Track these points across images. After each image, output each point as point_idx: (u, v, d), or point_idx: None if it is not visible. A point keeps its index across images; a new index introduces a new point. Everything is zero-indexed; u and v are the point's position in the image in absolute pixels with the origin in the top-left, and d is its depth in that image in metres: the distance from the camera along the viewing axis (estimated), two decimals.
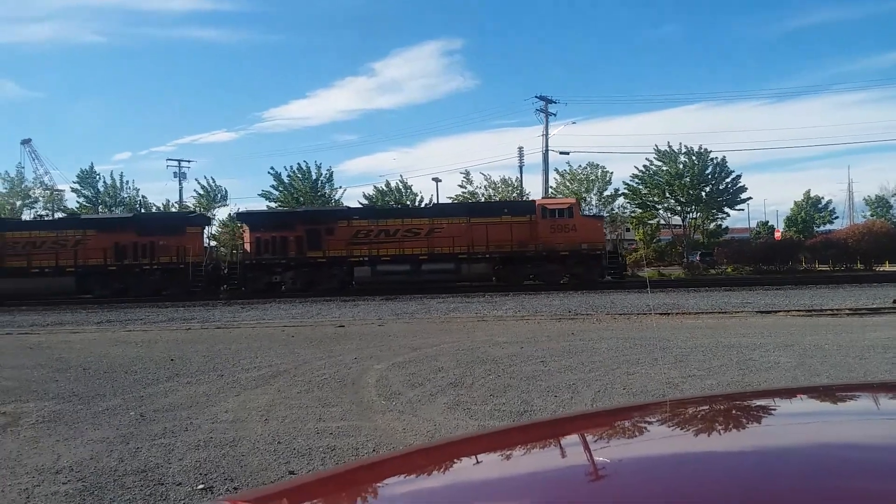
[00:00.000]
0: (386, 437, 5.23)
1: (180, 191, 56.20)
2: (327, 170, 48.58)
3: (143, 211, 46.26)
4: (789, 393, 1.87)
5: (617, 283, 28.18)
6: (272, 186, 47.89)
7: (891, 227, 50.13)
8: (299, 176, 47.56)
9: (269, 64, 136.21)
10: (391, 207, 37.97)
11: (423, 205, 45.64)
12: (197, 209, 46.00)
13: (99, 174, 49.35)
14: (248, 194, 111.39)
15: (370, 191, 49.87)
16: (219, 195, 50.59)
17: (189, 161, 61.07)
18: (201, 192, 50.13)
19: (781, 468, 0.93)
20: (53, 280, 28.13)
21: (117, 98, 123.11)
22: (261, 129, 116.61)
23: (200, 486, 4.10)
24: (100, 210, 45.88)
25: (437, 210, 32.15)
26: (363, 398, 6.72)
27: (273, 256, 28.88)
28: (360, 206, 42.60)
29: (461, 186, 49.59)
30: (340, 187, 49.67)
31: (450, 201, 45.68)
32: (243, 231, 31.59)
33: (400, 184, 49.67)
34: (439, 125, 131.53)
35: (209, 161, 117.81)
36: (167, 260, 28.83)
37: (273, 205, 46.35)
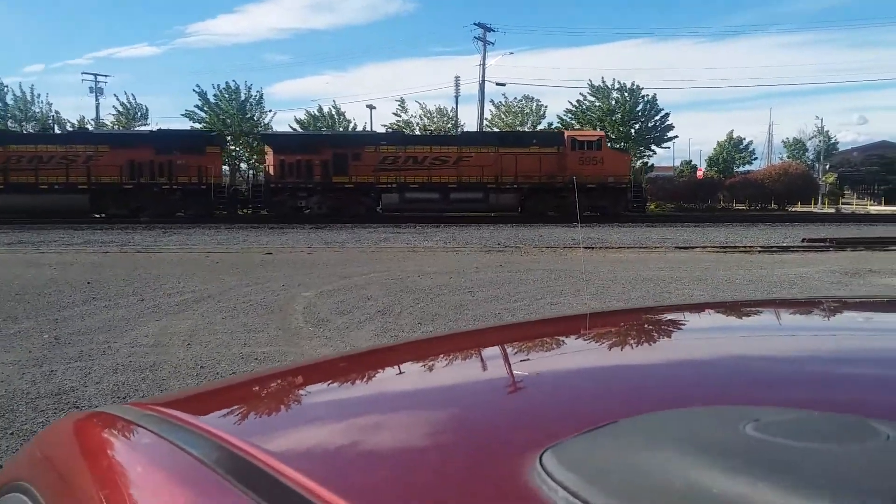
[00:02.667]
0: None
1: (97, 107, 52.89)
2: (257, 91, 46.62)
3: (55, 127, 43.49)
4: (701, 307, 1.95)
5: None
6: (197, 106, 45.61)
7: (805, 169, 52.69)
8: (226, 96, 45.43)
9: None
10: (420, 135, 36.83)
11: (351, 129, 44.86)
12: (115, 126, 43.58)
13: (7, 86, 45.78)
14: (171, 113, 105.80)
15: (302, 115, 48.35)
16: (139, 113, 48.01)
17: (106, 76, 57.13)
18: (120, 109, 47.45)
19: (691, 377, 0.97)
20: (64, 197, 26.74)
21: (26, 5, 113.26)
22: (185, 45, 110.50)
23: None
24: (8, 125, 42.81)
25: (465, 138, 31.60)
26: (290, 324, 6.69)
27: (298, 180, 28.19)
28: (387, 130, 40.82)
29: (396, 115, 48.73)
30: (270, 110, 47.79)
31: (384, 129, 44.90)
32: (266, 153, 30.45)
33: (333, 110, 48.32)
34: (375, 50, 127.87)
35: (129, 77, 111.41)
36: (186, 180, 27.67)
37: (197, 125, 44.35)
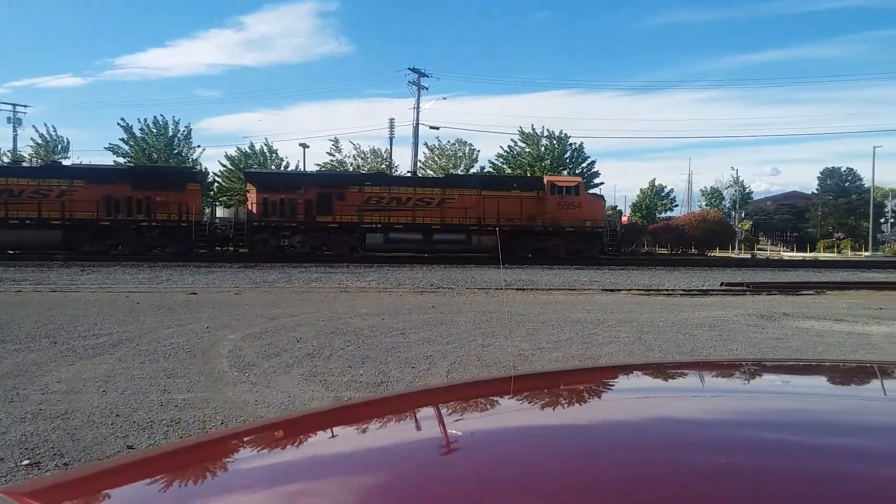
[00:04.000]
0: (236, 410, 5.07)
1: (14, 138, 50.65)
2: (185, 126, 45.69)
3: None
4: (631, 368, 2.00)
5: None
6: (122, 140, 44.29)
7: (723, 216, 55.28)
8: (153, 130, 44.34)
9: (124, 4, 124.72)
10: (404, 176, 37.16)
11: (299, 168, 44.58)
12: (33, 160, 41.72)
13: None
14: (95, 147, 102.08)
15: (232, 151, 47.56)
16: (59, 146, 46.23)
17: (26, 106, 54.93)
18: (39, 141, 45.55)
19: (628, 441, 0.99)
20: (36, 233, 25.52)
21: None
22: (112, 77, 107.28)
23: (26, 462, 3.77)
24: None
25: (449, 181, 32.08)
26: (213, 369, 6.46)
27: (281, 219, 27.94)
28: (370, 172, 41.08)
29: (329, 154, 48.66)
30: (199, 146, 46.86)
31: (318, 168, 44.67)
32: (249, 191, 29.81)
33: (265, 147, 47.78)
34: (309, 89, 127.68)
35: (50, 107, 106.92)
36: (165, 217, 26.80)
37: (121, 160, 42.95)
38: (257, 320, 9.66)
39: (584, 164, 48.31)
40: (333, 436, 1.12)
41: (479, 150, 49.71)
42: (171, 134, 44.66)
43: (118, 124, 44.27)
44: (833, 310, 12.15)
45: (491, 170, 48.22)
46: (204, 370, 6.39)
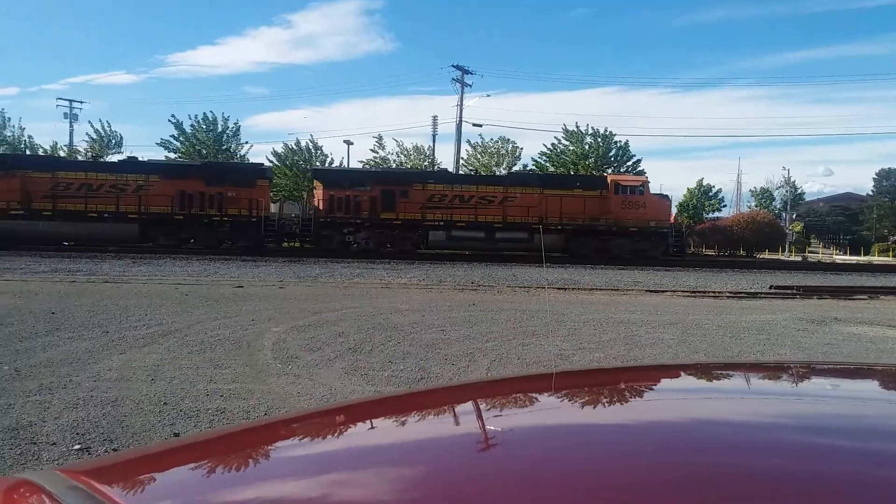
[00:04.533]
0: (279, 401, 5.16)
1: (70, 133, 52.45)
2: (234, 123, 46.66)
3: (33, 150, 42.92)
4: (674, 369, 1.97)
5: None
6: (172, 136, 45.49)
7: (773, 217, 53.90)
8: (203, 127, 45.39)
9: (176, 2, 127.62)
10: (466, 174, 37.51)
11: (330, 164, 45.06)
12: (88, 154, 43.16)
13: None
14: (147, 142, 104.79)
15: (279, 148, 48.40)
16: (113, 141, 47.70)
17: (82, 102, 56.70)
18: (94, 136, 47.10)
19: (661, 441, 0.97)
20: (114, 226, 26.72)
21: (4, 23, 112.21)
22: (163, 74, 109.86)
23: (77, 447, 3.91)
24: None
25: (511, 179, 32.21)
26: (258, 361, 6.59)
27: (346, 215, 28.50)
28: (434, 170, 41.70)
29: (373, 151, 49.09)
30: (247, 142, 47.88)
31: (361, 166, 45.13)
32: (316, 188, 30.75)
33: (311, 143, 48.47)
34: (354, 86, 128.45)
35: (105, 104, 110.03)
36: (236, 212, 27.68)
37: (172, 155, 44.08)
38: (300, 314, 9.81)
39: (629, 163, 47.66)
40: (372, 427, 1.13)
41: (522, 148, 49.50)
42: (220, 130, 45.67)
43: (169, 121, 45.52)
44: (887, 315, 11.73)
45: (534, 168, 47.94)
46: (248, 361, 6.52)
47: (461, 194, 29.28)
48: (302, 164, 44.75)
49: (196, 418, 4.57)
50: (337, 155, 51.71)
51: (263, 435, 1.14)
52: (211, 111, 46.19)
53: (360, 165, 45.35)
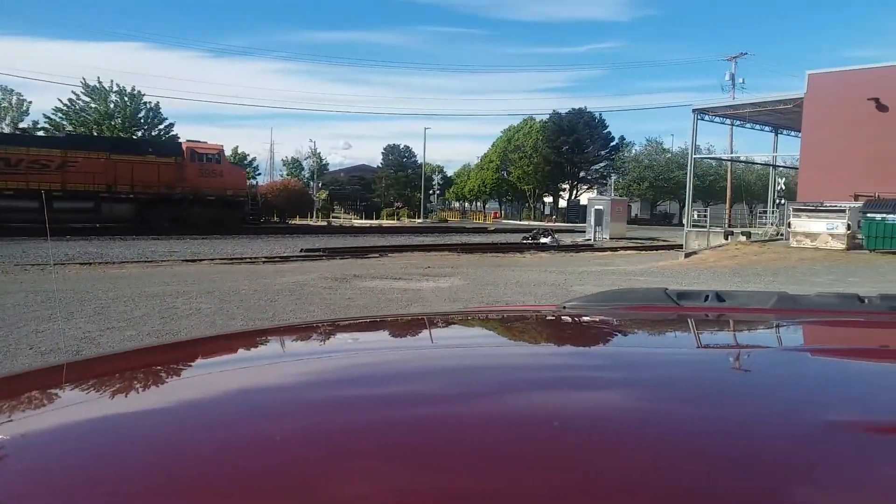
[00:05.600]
0: None
1: None
2: None
3: None
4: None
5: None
6: None
7: (303, 186, 58.01)
8: None
9: None
10: (13, 133, 31.17)
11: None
12: None
13: None
14: None
15: None
16: None
17: None
18: None
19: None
20: None
21: None
22: None
23: None
24: None
25: (71, 140, 27.58)
26: None
27: None
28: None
29: None
30: None
31: None
32: None
33: None
34: None
35: None
36: None
37: None
38: None
39: (161, 126, 45.26)
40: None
41: (30, 102, 42.40)
42: None
43: None
44: (393, 270, 13.87)
45: (48, 125, 41.62)
46: None
47: (6, 157, 24.55)
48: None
49: None
50: None
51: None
52: None
53: None
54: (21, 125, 40.67)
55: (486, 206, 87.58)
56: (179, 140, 43.24)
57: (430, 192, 67.88)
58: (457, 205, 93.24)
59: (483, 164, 78.26)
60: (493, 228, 41.27)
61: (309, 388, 0.85)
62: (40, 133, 37.54)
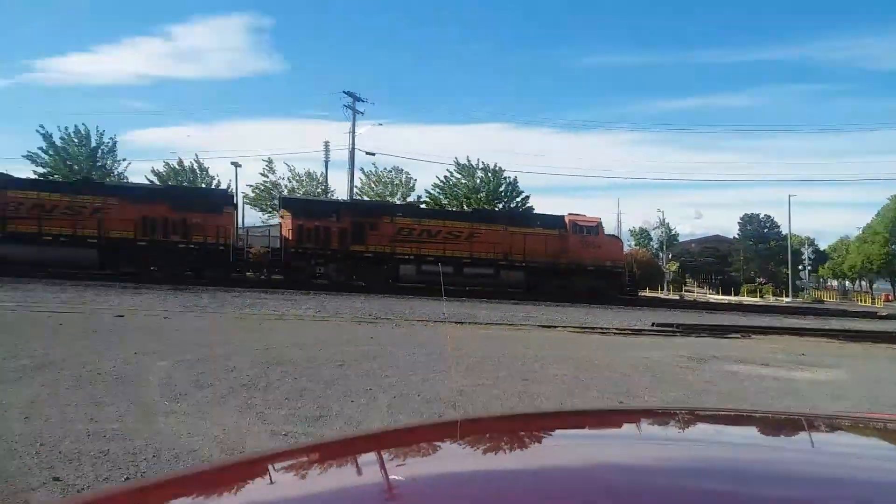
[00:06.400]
0: (168, 442, 4.85)
1: None
2: (110, 138, 44.09)
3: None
4: (578, 417, 2.01)
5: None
6: (41, 149, 42.28)
7: (651, 256, 57.14)
8: (75, 141, 42.59)
9: (45, 4, 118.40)
10: (433, 209, 38.23)
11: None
12: None
13: None
14: (11, 155, 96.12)
15: (160, 167, 46.17)
16: None
17: None
18: None
19: (566, 489, 0.99)
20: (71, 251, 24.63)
21: None
22: (32, 80, 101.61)
23: None
24: None
25: (477, 215, 32.56)
26: (143, 398, 6.19)
27: (316, 246, 27.65)
28: (402, 203, 41.56)
29: (263, 175, 47.92)
30: (125, 159, 45.34)
31: (250, 189, 44.07)
32: (283, 217, 29.20)
33: (195, 164, 46.61)
34: (242, 106, 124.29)
35: None
36: (201, 239, 26.04)
37: (40, 170, 40.98)
38: (188, 347, 9.33)
39: (518, 199, 49.19)
40: (272, 483, 1.10)
41: (415, 179, 50.06)
42: (94, 145, 43.11)
43: (37, 131, 42.28)
44: (759, 354, 12.66)
45: (427, 199, 48.49)
46: (133, 398, 6.11)
47: (429, 228, 29.43)
48: (187, 185, 42.87)
49: (77, 461, 4.21)
50: (224, 177, 49.84)
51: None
52: (83, 124, 43.18)
53: (249, 190, 44.33)
54: (409, 199, 48.13)
55: (874, 286, 75.04)
56: (532, 208, 46.54)
57: (800, 267, 60.79)
58: (834, 283, 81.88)
59: (867, 236, 67.46)
60: (885, 313, 34.81)
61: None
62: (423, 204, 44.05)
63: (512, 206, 48.37)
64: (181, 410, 5.79)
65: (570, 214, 32.35)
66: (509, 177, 48.67)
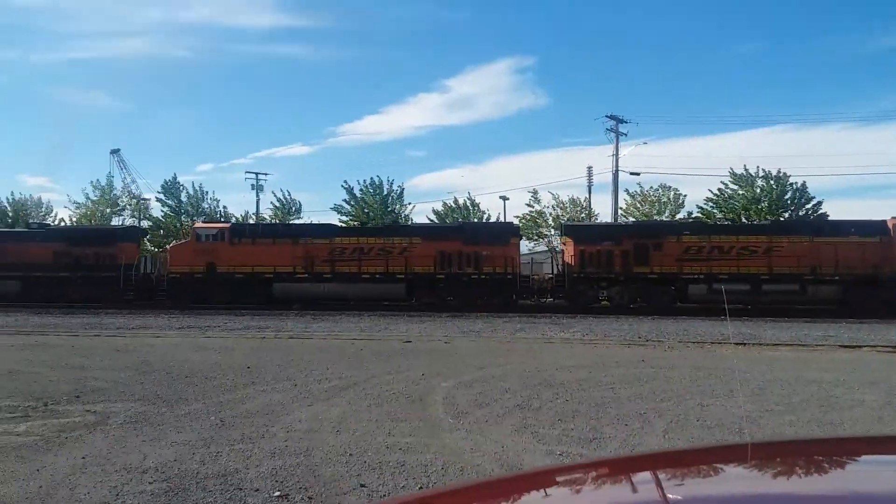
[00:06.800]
0: (454, 456, 5.27)
1: (257, 202, 58.20)
2: (398, 186, 49.28)
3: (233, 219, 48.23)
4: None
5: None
6: (345, 200, 48.86)
7: None
8: (371, 191, 48.41)
9: (345, 79, 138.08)
10: (723, 224, 36.88)
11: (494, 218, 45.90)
12: (273, 220, 47.54)
13: (182, 184, 51.55)
14: (321, 207, 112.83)
15: (438, 206, 50.28)
16: (293, 208, 52.11)
17: (266, 174, 63.02)
18: (277, 204, 51.82)
19: None
20: (384, 286, 29.45)
21: (202, 111, 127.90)
22: (335, 144, 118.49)
23: (277, 494, 4.25)
24: (182, 219, 47.97)
25: (775, 227, 30.86)
26: (431, 415, 6.79)
27: (598, 270, 28.82)
28: (689, 220, 41.06)
29: (528, 206, 49.40)
30: (410, 203, 50.20)
31: (516, 220, 45.64)
32: (566, 244, 31.51)
33: (468, 201, 49.87)
34: (508, 143, 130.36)
35: (284, 174, 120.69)
36: (491, 270, 29.27)
37: (344, 218, 47.28)
38: (467, 369, 9.99)
39: (808, 206, 43.94)
40: (546, 496, 1.15)
41: (685, 195, 47.42)
42: (385, 193, 48.46)
43: (341, 186, 49.03)
44: None
45: (699, 215, 45.63)
46: (422, 416, 6.74)
47: (720, 245, 28.16)
48: (477, 221, 45.89)
49: (379, 470, 4.80)
50: (493, 211, 52.67)
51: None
52: (377, 175, 49.19)
53: (516, 220, 45.93)
54: (678, 216, 45.75)
55: None
56: (826, 215, 41.06)
57: None
58: None
59: None
60: None
61: None
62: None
63: (801, 214, 43.44)
64: (463, 427, 6.24)
65: (892, 218, 27.95)
66: (795, 182, 43.87)
